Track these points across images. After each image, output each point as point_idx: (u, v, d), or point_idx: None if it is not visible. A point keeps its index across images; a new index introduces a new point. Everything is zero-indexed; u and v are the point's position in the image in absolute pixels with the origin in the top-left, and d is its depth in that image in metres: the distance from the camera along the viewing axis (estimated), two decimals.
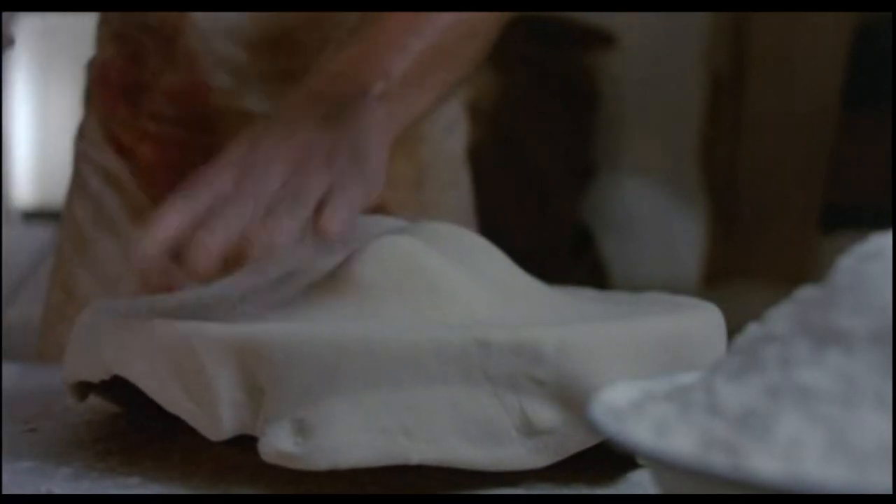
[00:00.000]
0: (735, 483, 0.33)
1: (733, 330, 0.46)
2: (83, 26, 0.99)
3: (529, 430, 0.52)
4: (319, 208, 0.57)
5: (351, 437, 0.50)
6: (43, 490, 0.53)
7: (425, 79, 0.72)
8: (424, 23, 0.72)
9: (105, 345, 0.58)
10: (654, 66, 2.83)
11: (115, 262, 0.94)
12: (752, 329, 0.41)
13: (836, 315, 0.37)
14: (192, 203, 0.56)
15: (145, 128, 0.93)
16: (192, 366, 0.53)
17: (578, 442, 0.52)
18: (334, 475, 0.51)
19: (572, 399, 0.52)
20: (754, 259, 2.53)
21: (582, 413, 0.50)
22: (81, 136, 0.99)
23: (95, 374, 0.60)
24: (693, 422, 0.37)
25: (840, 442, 0.33)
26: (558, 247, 2.71)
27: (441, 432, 0.51)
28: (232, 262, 0.55)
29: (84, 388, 0.63)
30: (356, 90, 0.66)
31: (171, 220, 0.55)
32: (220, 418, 0.52)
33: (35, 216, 3.26)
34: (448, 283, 0.58)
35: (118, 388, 0.60)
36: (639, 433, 0.37)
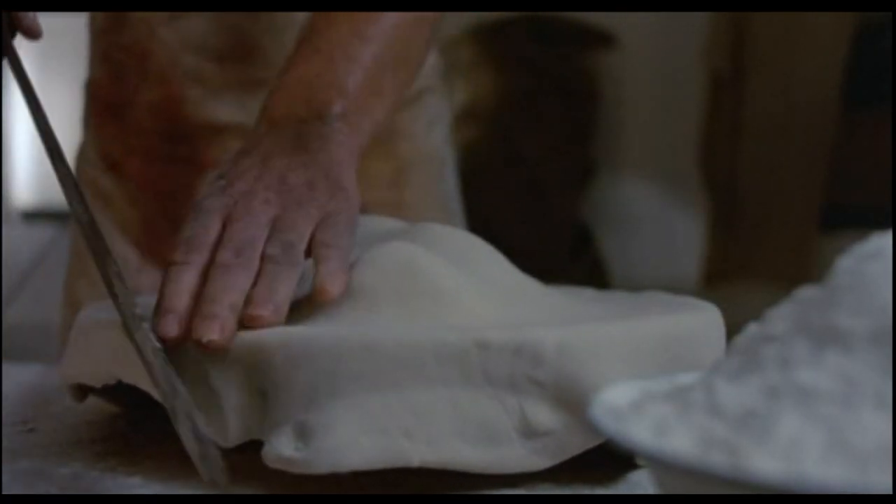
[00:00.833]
0: (735, 483, 0.33)
1: (733, 330, 0.46)
2: (83, 26, 1.00)
3: (529, 431, 0.52)
4: (313, 241, 0.58)
5: (352, 440, 0.50)
6: (43, 490, 0.53)
7: (382, 84, 0.71)
8: (372, 27, 0.71)
9: (105, 349, 0.58)
10: (654, 66, 2.83)
11: None
12: (752, 329, 0.41)
13: (836, 315, 0.37)
14: (193, 271, 0.56)
15: (132, 142, 0.96)
16: (197, 372, 0.53)
17: (578, 443, 0.52)
18: (335, 476, 0.51)
19: (572, 400, 0.51)
20: (754, 259, 2.53)
21: (582, 414, 0.50)
22: (81, 156, 1.00)
23: (96, 379, 0.60)
24: (693, 422, 0.37)
25: (840, 442, 0.33)
26: (558, 246, 2.71)
27: (441, 434, 0.51)
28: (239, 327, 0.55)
29: (83, 390, 0.63)
30: (315, 113, 0.66)
31: (180, 299, 0.55)
32: (226, 425, 0.53)
33: (35, 216, 3.26)
34: (448, 288, 0.58)
35: (118, 389, 0.60)
36: (639, 433, 0.37)
